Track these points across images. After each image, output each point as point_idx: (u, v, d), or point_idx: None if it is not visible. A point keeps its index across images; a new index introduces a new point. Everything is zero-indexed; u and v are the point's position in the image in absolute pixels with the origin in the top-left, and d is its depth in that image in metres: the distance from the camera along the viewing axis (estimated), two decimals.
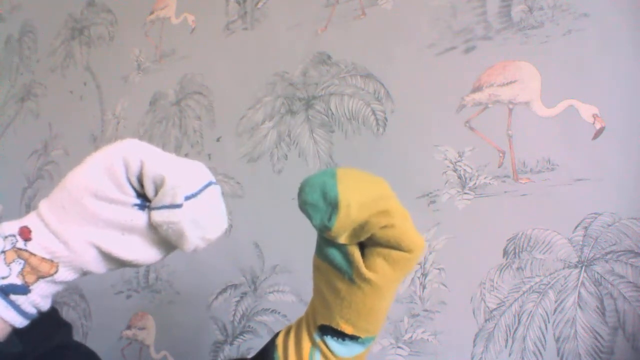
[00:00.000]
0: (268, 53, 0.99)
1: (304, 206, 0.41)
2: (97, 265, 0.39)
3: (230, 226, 0.97)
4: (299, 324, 0.48)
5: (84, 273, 0.39)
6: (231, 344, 0.95)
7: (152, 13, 1.21)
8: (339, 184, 0.39)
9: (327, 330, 0.44)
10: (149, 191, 0.38)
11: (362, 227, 0.40)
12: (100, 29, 1.33)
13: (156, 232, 0.39)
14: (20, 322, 0.37)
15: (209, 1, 1.09)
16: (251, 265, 0.93)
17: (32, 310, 0.38)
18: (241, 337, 0.94)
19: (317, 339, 0.45)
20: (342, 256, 0.42)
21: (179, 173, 0.38)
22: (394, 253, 0.41)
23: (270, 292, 0.91)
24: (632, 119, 0.63)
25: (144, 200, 0.39)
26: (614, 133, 0.64)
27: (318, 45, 0.92)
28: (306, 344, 0.45)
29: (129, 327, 1.08)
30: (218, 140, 1.03)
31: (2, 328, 0.36)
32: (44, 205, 0.38)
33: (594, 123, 0.65)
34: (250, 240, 0.94)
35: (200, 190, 0.39)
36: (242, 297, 0.94)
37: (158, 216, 0.38)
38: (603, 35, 0.66)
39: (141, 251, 0.39)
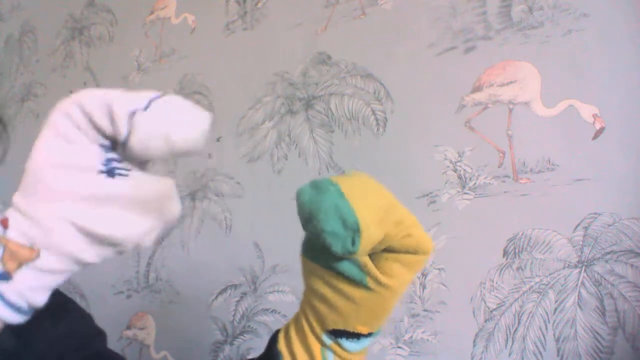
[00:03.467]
0: (268, 53, 0.99)
1: (323, 235, 0.39)
2: (79, 247, 0.36)
3: (230, 226, 0.97)
4: (298, 329, 0.47)
5: (73, 259, 0.37)
6: (231, 344, 0.95)
7: (152, 13, 1.21)
8: (353, 204, 0.38)
9: (341, 333, 0.45)
10: (105, 125, 0.35)
11: (380, 242, 0.40)
12: (100, 29, 1.33)
13: (137, 200, 0.36)
14: (9, 315, 0.35)
15: (209, 1, 1.09)
16: (251, 265, 0.93)
17: (21, 303, 0.36)
18: (241, 337, 0.94)
19: (329, 342, 0.45)
20: (356, 267, 0.42)
21: (120, 93, 0.35)
22: (411, 257, 0.42)
23: (270, 292, 0.91)
24: (632, 119, 0.63)
25: (116, 163, 0.36)
26: (614, 133, 0.64)
27: (318, 45, 0.92)
28: (315, 347, 0.45)
29: (129, 327, 1.08)
30: (218, 140, 1.03)
31: None
32: (16, 194, 0.37)
33: (594, 123, 0.65)
34: (250, 240, 0.94)
35: (157, 97, 0.35)
36: (242, 297, 0.94)
37: (131, 144, 0.34)
38: (603, 35, 0.66)
39: (121, 224, 0.36)
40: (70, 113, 0.35)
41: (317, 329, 0.45)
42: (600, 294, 0.63)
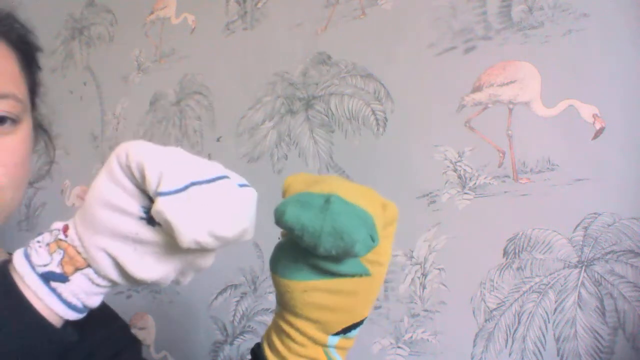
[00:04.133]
0: (268, 53, 0.99)
1: (356, 246, 0.37)
2: (115, 275, 0.39)
3: None
4: (289, 343, 0.45)
5: (111, 281, 0.39)
6: (231, 344, 0.95)
7: (152, 13, 1.21)
8: (360, 204, 0.38)
9: (350, 327, 0.44)
10: (139, 181, 0.36)
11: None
12: (100, 29, 1.33)
13: (168, 250, 0.38)
14: (65, 312, 0.38)
15: (209, 1, 1.09)
16: (251, 265, 0.93)
17: (76, 302, 0.39)
18: (241, 337, 0.94)
19: (335, 341, 0.45)
20: (358, 262, 0.42)
21: (164, 161, 0.35)
22: (390, 229, 0.44)
23: (270, 292, 0.91)
24: (632, 119, 0.63)
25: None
26: (614, 133, 0.64)
27: (318, 45, 0.92)
28: (318, 352, 0.44)
29: None
30: (218, 140, 1.03)
31: (55, 319, 0.38)
32: (77, 212, 0.40)
33: (594, 123, 0.65)
34: (250, 240, 0.93)
35: (207, 181, 0.36)
36: (242, 297, 0.94)
37: (152, 209, 0.36)
38: (603, 35, 0.66)
39: (149, 268, 0.38)
40: (120, 159, 0.37)
41: (320, 337, 0.44)
42: (600, 294, 0.63)
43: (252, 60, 1.01)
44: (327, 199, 0.38)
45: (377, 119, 0.83)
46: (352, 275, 0.41)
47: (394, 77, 0.83)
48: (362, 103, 0.85)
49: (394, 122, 0.82)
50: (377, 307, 0.78)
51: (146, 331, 1.06)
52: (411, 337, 0.75)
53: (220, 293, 0.97)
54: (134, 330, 1.07)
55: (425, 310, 0.75)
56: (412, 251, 0.77)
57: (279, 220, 0.40)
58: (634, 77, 0.64)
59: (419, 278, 0.76)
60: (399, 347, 0.76)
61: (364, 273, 0.42)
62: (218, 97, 1.05)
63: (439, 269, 0.74)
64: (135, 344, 0.61)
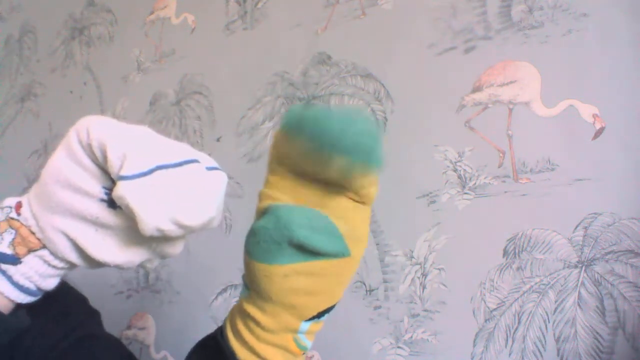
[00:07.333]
0: (268, 53, 0.99)
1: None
2: (72, 256, 0.37)
3: (230, 226, 0.97)
4: (258, 332, 0.42)
5: (69, 263, 0.37)
6: None
7: (152, 13, 1.21)
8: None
9: (322, 312, 0.43)
10: (101, 161, 0.34)
11: None
12: (100, 29, 1.33)
13: (131, 233, 0.36)
14: (17, 295, 0.36)
15: (209, 1, 1.09)
16: None
17: (29, 285, 0.37)
18: None
19: (306, 327, 0.43)
20: (340, 240, 0.40)
21: (128, 141, 0.33)
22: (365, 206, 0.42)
23: None
24: (632, 119, 0.63)
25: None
26: (614, 133, 0.64)
27: (318, 45, 0.92)
28: (288, 340, 0.43)
29: (129, 327, 1.08)
30: (218, 140, 1.03)
31: (4, 303, 0.36)
32: (33, 187, 0.38)
33: (594, 123, 0.65)
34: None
35: (174, 165, 0.34)
36: None
37: (113, 193, 0.33)
38: (603, 35, 0.66)
39: (110, 250, 0.36)
40: (80, 136, 0.35)
41: (293, 323, 0.42)
42: (600, 294, 0.63)
43: (252, 60, 1.00)
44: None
45: (377, 119, 0.83)
46: (335, 256, 0.40)
47: (394, 77, 0.83)
48: (362, 103, 0.85)
49: (394, 122, 0.82)
50: (377, 307, 0.78)
51: (146, 331, 1.06)
52: (411, 337, 0.75)
53: (220, 293, 0.97)
54: (133, 331, 1.07)
55: (425, 310, 0.75)
56: (412, 251, 0.77)
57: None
58: (634, 77, 0.64)
59: (419, 278, 0.76)
60: (399, 347, 0.76)
61: (346, 254, 0.40)
62: (218, 97, 1.05)
63: (439, 269, 0.74)
64: (94, 316, 0.57)
